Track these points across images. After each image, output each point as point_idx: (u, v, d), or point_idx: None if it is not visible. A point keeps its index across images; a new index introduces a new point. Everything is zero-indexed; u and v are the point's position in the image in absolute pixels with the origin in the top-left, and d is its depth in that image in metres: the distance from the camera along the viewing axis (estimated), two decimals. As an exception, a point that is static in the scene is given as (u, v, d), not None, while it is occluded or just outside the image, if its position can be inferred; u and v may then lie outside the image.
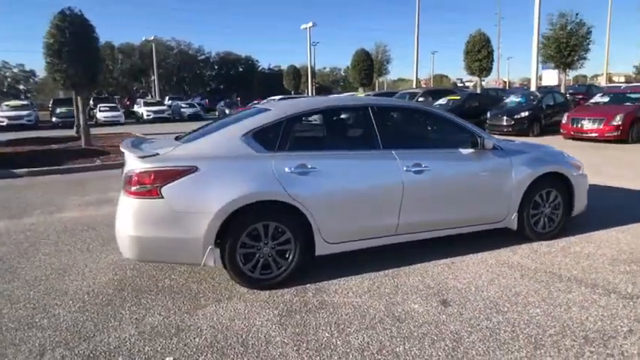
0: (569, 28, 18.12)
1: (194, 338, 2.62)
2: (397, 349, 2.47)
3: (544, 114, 13.14)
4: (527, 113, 13.08)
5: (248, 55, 63.77)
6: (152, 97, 42.08)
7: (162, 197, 3.01)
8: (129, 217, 3.07)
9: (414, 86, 26.87)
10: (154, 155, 3.12)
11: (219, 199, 3.06)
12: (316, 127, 3.64)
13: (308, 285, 3.31)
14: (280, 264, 3.29)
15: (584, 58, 18.60)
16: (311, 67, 36.69)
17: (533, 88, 17.22)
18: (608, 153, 9.58)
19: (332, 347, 2.50)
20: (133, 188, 3.04)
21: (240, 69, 63.72)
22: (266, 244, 3.23)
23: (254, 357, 2.43)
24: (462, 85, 63.65)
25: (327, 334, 2.64)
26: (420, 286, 3.28)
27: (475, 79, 24.80)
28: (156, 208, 3.03)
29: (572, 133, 10.98)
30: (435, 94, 18.06)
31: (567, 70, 19.25)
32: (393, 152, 3.60)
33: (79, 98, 11.94)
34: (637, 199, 5.67)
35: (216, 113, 33.83)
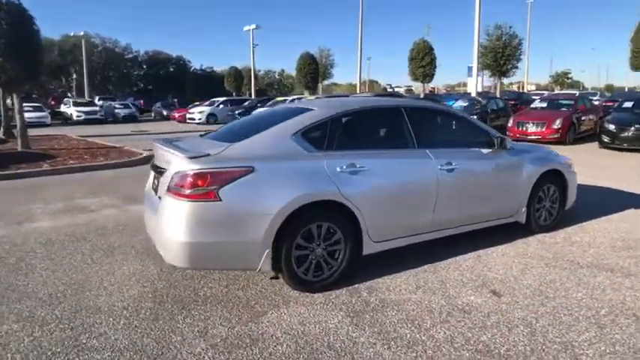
0: (504, 39, 19.88)
1: (276, 346, 2.50)
2: (482, 339, 2.56)
3: (489, 118, 14.22)
4: (475, 117, 14.07)
5: (179, 54, 61.10)
6: (72, 96, 38.79)
7: (221, 200, 2.82)
8: (181, 221, 2.84)
9: (358, 91, 27.61)
10: (206, 156, 2.92)
11: (278, 200, 2.95)
12: (358, 127, 3.63)
13: (357, 285, 3.29)
14: (331, 265, 3.24)
15: (517, 67, 20.55)
16: (253, 70, 36.15)
17: (473, 94, 18.58)
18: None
19: (420, 343, 2.52)
20: (188, 191, 2.82)
21: (171, 69, 60.87)
22: (318, 245, 3.16)
23: (350, 359, 2.38)
24: (391, 90, 66.82)
25: (407, 331, 2.65)
26: (463, 279, 3.41)
27: (407, 84, 26.09)
28: (213, 212, 2.84)
29: (517, 135, 12.02)
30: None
31: (502, 78, 21.05)
32: (427, 151, 3.72)
33: (14, 96, 10.65)
34: (593, 193, 6.33)
35: (152, 114, 32.04)
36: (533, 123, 11.98)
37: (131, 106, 29.38)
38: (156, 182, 3.40)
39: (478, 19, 17.06)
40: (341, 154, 3.29)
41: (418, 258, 3.77)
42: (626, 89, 44.66)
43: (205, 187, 2.82)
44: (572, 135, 11.99)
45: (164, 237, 2.96)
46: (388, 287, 3.28)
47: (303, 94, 28.41)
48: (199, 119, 23.73)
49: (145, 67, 60.47)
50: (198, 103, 28.57)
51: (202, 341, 2.55)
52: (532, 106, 14.14)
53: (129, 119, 26.95)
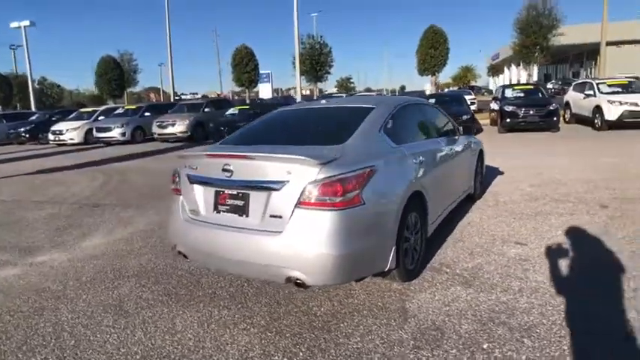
0: (317, 47, 22.17)
1: (458, 327, 2.64)
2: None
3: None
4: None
5: None
6: None
7: (364, 203, 2.69)
8: (331, 233, 2.56)
9: (172, 99, 25.96)
10: (335, 160, 2.71)
11: (397, 195, 3.01)
12: (407, 121, 3.87)
13: (429, 265, 3.62)
14: (417, 252, 3.46)
15: (329, 73, 23.23)
16: (30, 76, 29.09)
17: (299, 98, 20.16)
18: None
19: (522, 277, 3.11)
20: (339, 199, 2.57)
21: None
22: (412, 235, 3.35)
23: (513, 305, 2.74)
24: (177, 98, 65.35)
25: (512, 278, 3.19)
26: (492, 248, 4.16)
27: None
28: (359, 217, 2.67)
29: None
30: (216, 103, 18.54)
31: (317, 83, 23.49)
32: (439, 140, 4.32)
33: None
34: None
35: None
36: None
37: None
38: (230, 200, 2.87)
39: (297, 27, 18.67)
40: (407, 146, 3.53)
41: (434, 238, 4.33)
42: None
43: (352, 192, 2.65)
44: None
45: (306, 256, 2.58)
46: (452, 259, 3.73)
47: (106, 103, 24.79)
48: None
49: None
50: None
51: (378, 341, 2.47)
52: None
53: None
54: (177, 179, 3.22)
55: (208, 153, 2.99)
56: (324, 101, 4.31)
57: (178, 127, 15.89)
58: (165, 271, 3.75)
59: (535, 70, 30.62)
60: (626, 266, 3.35)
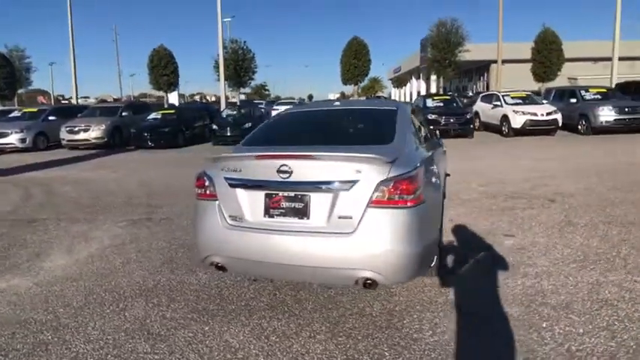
0: (240, 52, 21.60)
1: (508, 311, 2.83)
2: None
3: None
4: (250, 124, 15.16)
5: None
6: None
7: (425, 201, 2.71)
8: (406, 231, 2.53)
9: (76, 101, 23.16)
10: (398, 158, 2.68)
11: (439, 192, 3.13)
12: (416, 123, 3.98)
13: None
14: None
15: (253, 79, 22.78)
16: None
17: (223, 105, 19.50)
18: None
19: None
20: (411, 196, 2.55)
21: None
22: (439, 231, 3.48)
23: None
24: (65, 102, 59.90)
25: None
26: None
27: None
28: (424, 214, 2.68)
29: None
30: (134, 107, 17.11)
31: (240, 88, 22.85)
32: (437, 141, 4.59)
33: None
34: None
35: None
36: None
37: None
38: (279, 204, 2.71)
39: (221, 32, 18.10)
40: (422, 147, 3.68)
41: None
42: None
43: (419, 189, 2.64)
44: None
45: (381, 256, 2.50)
46: (457, 252, 3.97)
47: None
48: None
49: None
50: None
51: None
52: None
53: None
54: (207, 183, 2.94)
55: (260, 154, 2.77)
56: (337, 102, 4.27)
57: (93, 132, 14.30)
58: (175, 288, 3.39)
59: (433, 83, 33.66)
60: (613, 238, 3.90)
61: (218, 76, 20.58)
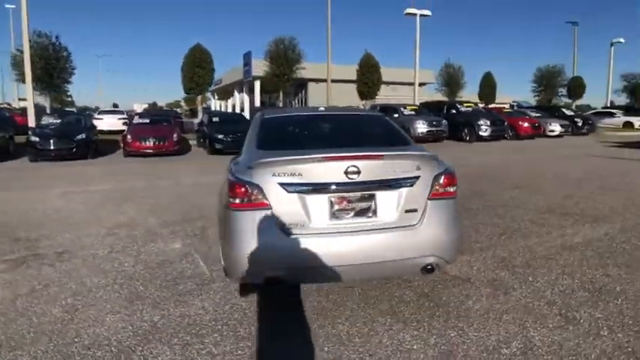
0: (51, 50, 17.45)
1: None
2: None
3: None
4: (83, 135, 12.66)
5: None
6: None
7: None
8: (455, 217, 2.90)
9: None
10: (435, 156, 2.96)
11: None
12: None
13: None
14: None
15: (69, 82, 18.68)
16: None
17: (31, 112, 15.55)
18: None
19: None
20: (454, 187, 2.90)
21: None
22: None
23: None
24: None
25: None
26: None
27: None
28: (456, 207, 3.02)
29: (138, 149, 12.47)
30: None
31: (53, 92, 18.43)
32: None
33: None
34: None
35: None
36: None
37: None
38: (358, 205, 2.69)
39: (26, 17, 14.59)
40: None
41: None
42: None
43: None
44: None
45: (443, 241, 2.78)
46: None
47: None
48: None
49: None
50: None
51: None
52: (134, 122, 14.37)
53: None
54: (252, 191, 2.60)
55: (326, 156, 2.63)
56: (322, 108, 4.14)
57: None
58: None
59: (258, 97, 34.74)
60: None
61: (17, 75, 16.45)
